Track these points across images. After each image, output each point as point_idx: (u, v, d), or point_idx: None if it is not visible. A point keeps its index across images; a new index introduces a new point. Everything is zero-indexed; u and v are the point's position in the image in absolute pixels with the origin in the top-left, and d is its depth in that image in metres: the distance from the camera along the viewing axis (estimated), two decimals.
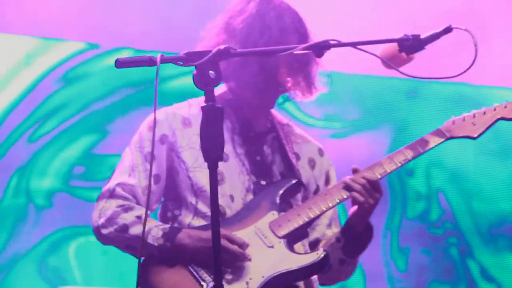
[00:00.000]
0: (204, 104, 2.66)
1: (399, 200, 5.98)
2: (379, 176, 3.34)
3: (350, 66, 5.37)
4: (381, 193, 3.32)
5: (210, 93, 2.68)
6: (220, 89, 3.46)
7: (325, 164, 3.55)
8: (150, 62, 2.69)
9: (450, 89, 5.94)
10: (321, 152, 3.56)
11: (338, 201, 3.31)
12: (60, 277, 5.20)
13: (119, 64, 2.71)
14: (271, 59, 3.28)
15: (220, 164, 3.22)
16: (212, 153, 2.67)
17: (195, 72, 2.69)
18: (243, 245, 3.22)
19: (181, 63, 2.71)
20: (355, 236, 3.38)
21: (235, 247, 3.20)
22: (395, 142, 5.86)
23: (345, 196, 3.32)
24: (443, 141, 3.44)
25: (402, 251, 5.95)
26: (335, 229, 3.50)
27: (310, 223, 3.34)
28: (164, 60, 2.68)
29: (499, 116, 3.49)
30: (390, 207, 5.95)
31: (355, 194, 3.30)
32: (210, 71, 2.68)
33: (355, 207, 3.34)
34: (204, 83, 2.67)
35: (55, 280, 5.20)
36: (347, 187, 3.31)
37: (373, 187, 3.31)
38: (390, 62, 2.88)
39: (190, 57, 2.69)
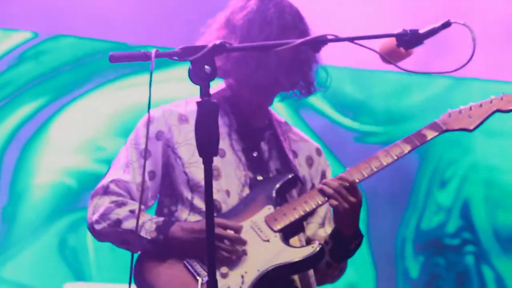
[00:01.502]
0: (200, 100, 2.60)
1: (417, 210, 5.95)
2: (366, 175, 3.23)
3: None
4: (357, 197, 3.19)
5: (205, 88, 2.60)
6: (219, 86, 3.37)
7: (322, 163, 3.45)
8: (145, 57, 2.61)
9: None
10: (318, 152, 3.46)
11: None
12: (76, 257, 5.21)
13: (113, 59, 2.63)
14: (270, 57, 3.20)
15: (217, 159, 3.19)
16: (207, 148, 2.58)
17: (190, 67, 2.60)
18: (238, 229, 3.14)
19: (176, 58, 2.62)
20: (342, 241, 3.27)
21: (229, 233, 3.12)
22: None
23: None
24: (439, 134, 3.35)
25: (416, 259, 5.91)
26: (328, 228, 3.39)
27: (306, 217, 3.24)
28: (158, 55, 2.60)
29: (495, 108, 3.38)
30: (405, 215, 5.92)
31: (330, 200, 3.20)
32: (206, 66, 2.60)
33: (335, 211, 3.23)
34: (199, 78, 2.59)
35: (72, 259, 5.20)
36: (321, 192, 3.22)
37: (348, 191, 3.19)
38: (388, 57, 2.82)
39: (185, 52, 2.61)
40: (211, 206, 2.59)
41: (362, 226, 3.34)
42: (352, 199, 3.19)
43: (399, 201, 5.88)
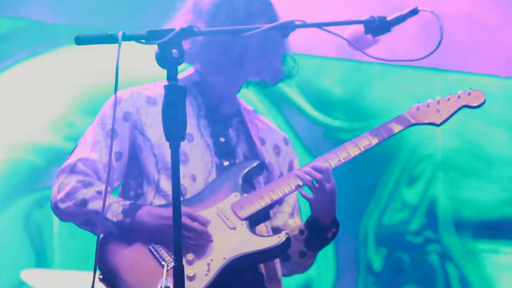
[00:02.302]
0: (164, 84, 2.57)
1: (380, 205, 5.94)
2: (333, 165, 3.21)
3: None
4: (332, 185, 3.17)
5: (172, 72, 2.58)
6: (188, 71, 3.34)
7: (290, 153, 3.43)
8: (111, 39, 2.58)
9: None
10: (286, 141, 3.44)
11: (301, 183, 3.19)
12: (40, 233, 5.14)
13: (79, 41, 2.60)
14: (236, 43, 3.15)
15: (185, 144, 3.14)
16: (174, 132, 2.55)
17: (157, 50, 2.57)
18: (205, 223, 3.09)
19: (143, 41, 2.59)
20: (319, 230, 3.25)
21: (196, 225, 3.07)
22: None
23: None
24: (407, 127, 3.34)
25: (378, 252, 5.91)
26: (297, 219, 3.38)
27: (272, 205, 3.21)
28: (126, 38, 2.57)
29: (463, 104, 3.38)
30: (368, 208, 5.91)
31: (303, 193, 3.20)
32: (173, 50, 2.58)
33: (310, 201, 3.20)
34: (167, 62, 2.57)
35: (36, 235, 5.14)
36: (300, 180, 3.18)
37: (324, 178, 3.17)
38: (356, 44, 2.81)
39: (152, 36, 2.58)
40: (178, 191, 2.55)
41: None
42: (328, 186, 3.18)
43: (366, 193, 5.89)
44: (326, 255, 5.62)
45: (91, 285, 2.66)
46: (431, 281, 5.93)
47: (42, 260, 5.17)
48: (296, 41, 3.17)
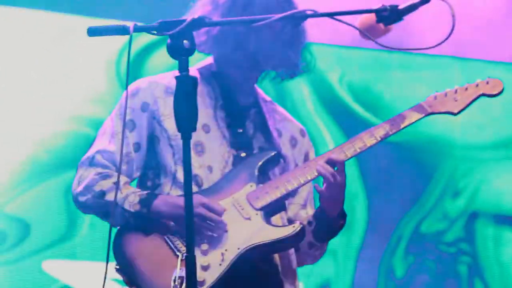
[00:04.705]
0: (178, 74, 2.55)
1: (421, 212, 5.86)
2: (349, 156, 3.16)
3: None
4: (344, 177, 3.12)
5: (184, 63, 2.55)
6: (207, 60, 3.30)
7: (306, 144, 3.38)
8: (123, 31, 2.56)
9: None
10: (303, 133, 3.39)
11: (316, 174, 3.15)
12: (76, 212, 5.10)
13: (91, 32, 2.59)
14: (250, 38, 3.11)
15: (202, 135, 3.13)
16: (185, 123, 2.54)
17: (169, 41, 2.55)
18: (221, 213, 3.06)
19: (155, 32, 2.57)
20: (326, 221, 3.20)
21: (212, 214, 3.04)
22: None
23: None
24: (424, 116, 3.27)
25: (405, 258, 5.86)
26: (310, 211, 3.32)
27: (288, 196, 3.16)
28: (137, 29, 2.55)
29: (481, 93, 3.29)
30: (408, 213, 5.85)
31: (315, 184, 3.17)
32: (184, 41, 2.56)
33: (320, 192, 3.16)
34: (178, 53, 2.55)
35: (75, 212, 5.09)
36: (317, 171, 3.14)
37: (339, 170, 3.12)
38: (368, 33, 2.80)
39: (164, 27, 2.56)
40: (190, 182, 2.53)
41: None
42: (340, 178, 3.13)
43: (408, 198, 5.84)
44: (348, 255, 5.56)
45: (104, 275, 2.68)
46: None
47: (69, 233, 5.17)
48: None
